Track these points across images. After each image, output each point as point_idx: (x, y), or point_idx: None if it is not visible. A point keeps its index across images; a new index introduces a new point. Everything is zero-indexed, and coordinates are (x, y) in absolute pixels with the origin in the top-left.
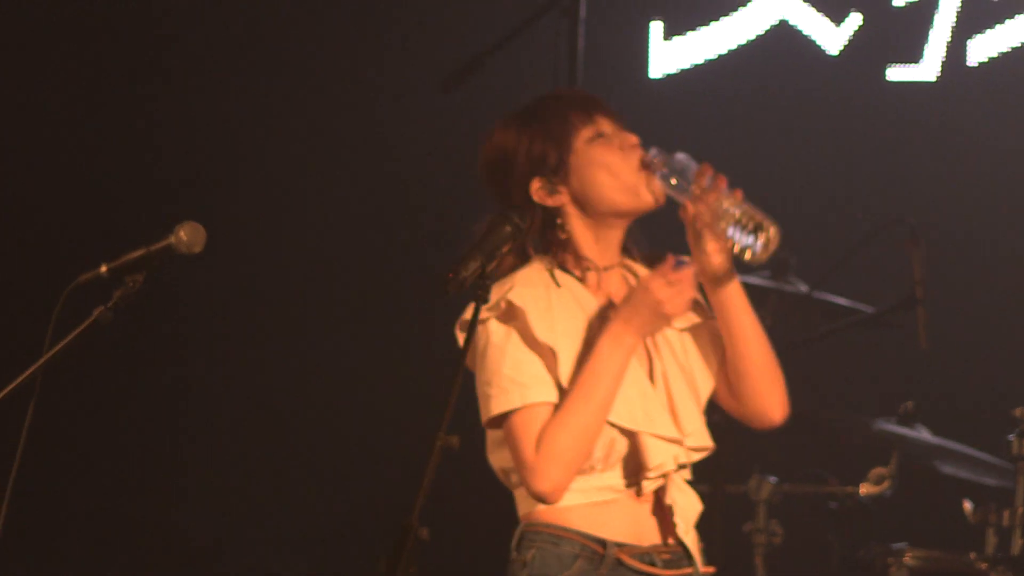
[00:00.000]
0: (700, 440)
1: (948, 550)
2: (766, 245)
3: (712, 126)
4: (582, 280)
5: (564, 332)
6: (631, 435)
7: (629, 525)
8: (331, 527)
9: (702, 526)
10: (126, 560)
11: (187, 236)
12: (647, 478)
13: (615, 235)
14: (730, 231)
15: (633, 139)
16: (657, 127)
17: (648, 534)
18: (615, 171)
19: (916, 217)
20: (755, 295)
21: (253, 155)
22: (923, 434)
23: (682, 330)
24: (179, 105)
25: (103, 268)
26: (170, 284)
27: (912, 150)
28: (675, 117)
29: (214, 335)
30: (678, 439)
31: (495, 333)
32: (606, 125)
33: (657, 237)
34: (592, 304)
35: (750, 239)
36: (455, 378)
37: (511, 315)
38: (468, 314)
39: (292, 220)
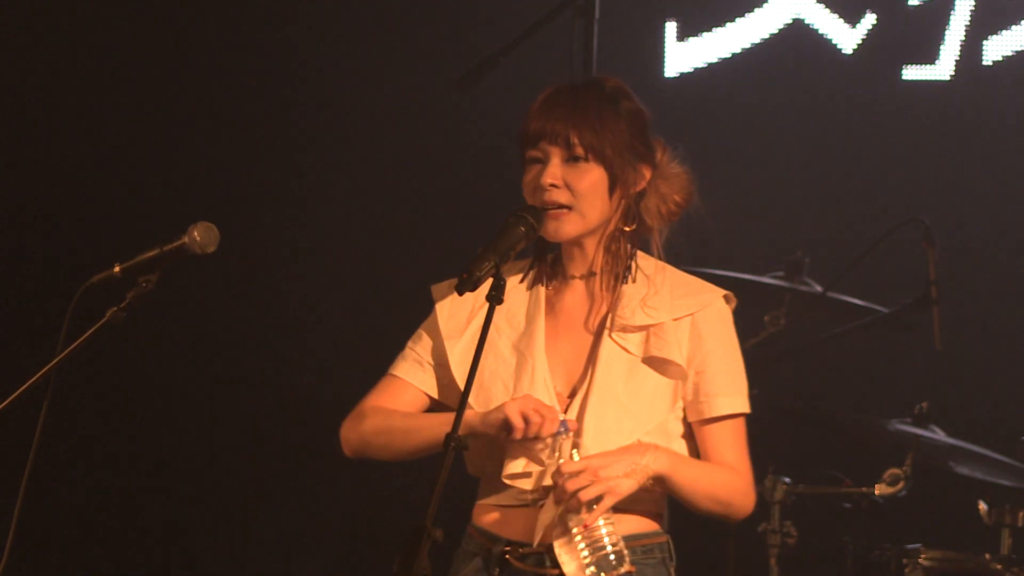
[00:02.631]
0: None
1: (963, 551)
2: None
3: (727, 125)
4: (546, 285)
5: (472, 336)
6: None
7: (526, 526)
8: (345, 529)
9: (717, 528)
10: (136, 561)
11: (201, 236)
12: (513, 484)
13: (570, 248)
14: (572, 544)
15: (547, 180)
16: (672, 126)
17: (545, 535)
18: (526, 197)
19: (931, 217)
20: (770, 295)
21: (267, 154)
22: (938, 434)
23: (644, 360)
24: (193, 104)
25: (116, 268)
26: (185, 284)
27: (927, 150)
28: (690, 116)
29: (227, 336)
30: (541, 461)
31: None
32: (549, 151)
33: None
34: (527, 314)
35: (587, 561)
36: (467, 379)
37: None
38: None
39: (306, 219)
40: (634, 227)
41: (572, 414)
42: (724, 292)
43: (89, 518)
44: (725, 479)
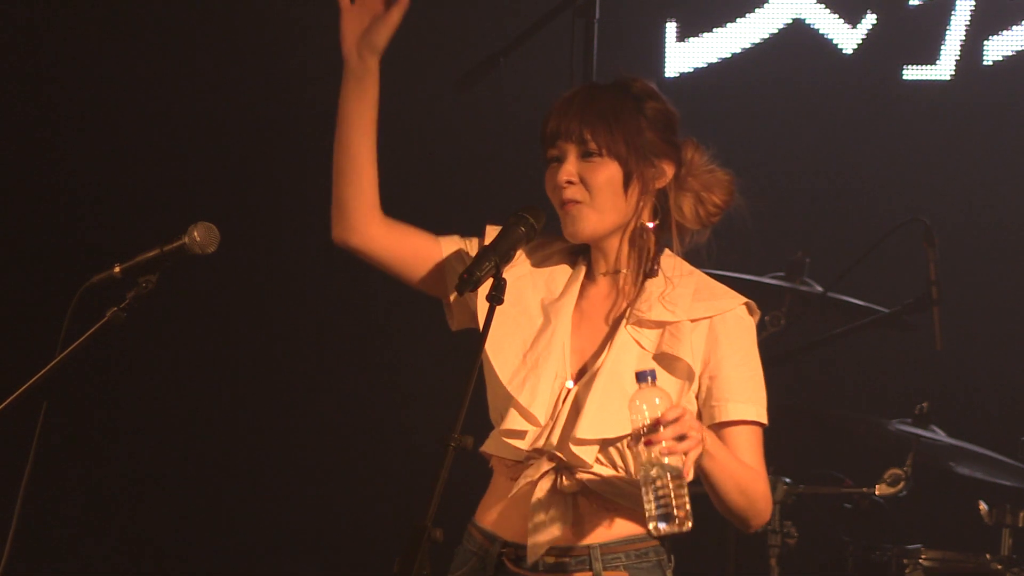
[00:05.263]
0: (585, 454)
1: (963, 551)
2: (663, 529)
3: (727, 125)
4: (588, 278)
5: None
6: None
7: (524, 527)
8: (345, 528)
9: (717, 528)
10: (136, 561)
11: (201, 236)
12: (509, 442)
13: (594, 247)
14: (648, 492)
15: (563, 177)
16: None
17: (533, 531)
18: (550, 197)
19: (931, 217)
20: (771, 295)
21: (267, 154)
22: (938, 434)
23: (655, 355)
24: (194, 105)
25: (116, 269)
26: (183, 284)
27: (927, 150)
28: (690, 116)
29: (227, 336)
30: (537, 422)
31: None
32: (565, 148)
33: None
34: (565, 284)
35: (658, 511)
36: (469, 379)
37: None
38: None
39: (306, 219)
40: (658, 223)
41: (574, 398)
42: (746, 300)
43: (89, 518)
44: (752, 476)
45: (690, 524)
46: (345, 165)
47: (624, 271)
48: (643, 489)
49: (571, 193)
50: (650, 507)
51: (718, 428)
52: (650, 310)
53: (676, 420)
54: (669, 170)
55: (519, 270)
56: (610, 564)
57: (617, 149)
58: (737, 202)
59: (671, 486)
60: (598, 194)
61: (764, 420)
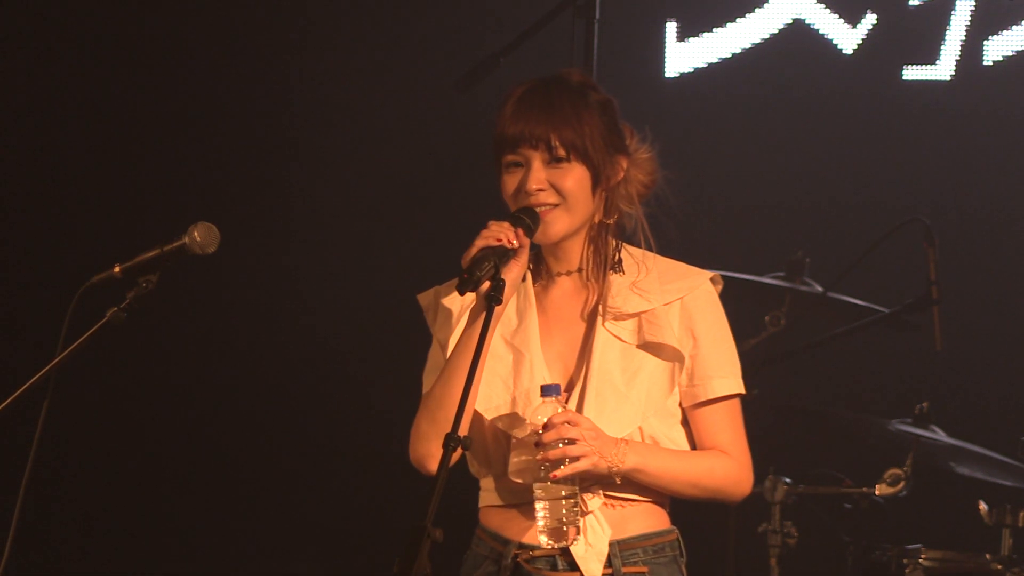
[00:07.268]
0: None
1: (963, 551)
2: (546, 544)
3: (727, 125)
4: (535, 283)
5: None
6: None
7: (536, 527)
8: (345, 528)
9: (717, 528)
10: (136, 560)
11: (201, 236)
12: (518, 481)
13: (554, 247)
14: (540, 507)
15: (533, 185)
16: (672, 126)
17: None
18: (508, 203)
19: (931, 217)
20: (771, 295)
21: (267, 154)
22: (938, 434)
23: (639, 346)
24: (193, 104)
25: (116, 269)
26: (183, 283)
27: (927, 150)
28: (690, 116)
29: (227, 335)
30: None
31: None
32: (529, 155)
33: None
34: (517, 310)
35: (548, 526)
36: (469, 378)
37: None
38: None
39: (306, 219)
40: (614, 219)
41: (571, 406)
42: (711, 274)
43: (89, 518)
44: (710, 466)
45: (578, 540)
46: (442, 396)
47: (586, 268)
48: (536, 504)
49: (543, 198)
50: (541, 521)
51: (701, 407)
52: (625, 303)
53: (563, 423)
54: (624, 163)
55: (463, 325)
56: (629, 560)
57: (585, 153)
58: (660, 181)
59: (563, 503)
60: (569, 198)
61: (743, 390)
